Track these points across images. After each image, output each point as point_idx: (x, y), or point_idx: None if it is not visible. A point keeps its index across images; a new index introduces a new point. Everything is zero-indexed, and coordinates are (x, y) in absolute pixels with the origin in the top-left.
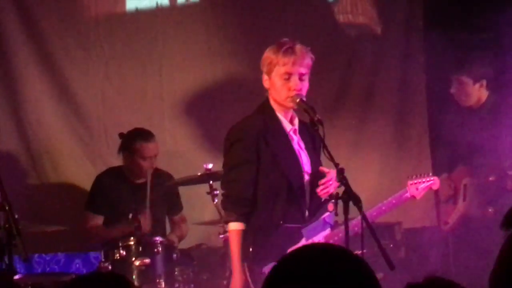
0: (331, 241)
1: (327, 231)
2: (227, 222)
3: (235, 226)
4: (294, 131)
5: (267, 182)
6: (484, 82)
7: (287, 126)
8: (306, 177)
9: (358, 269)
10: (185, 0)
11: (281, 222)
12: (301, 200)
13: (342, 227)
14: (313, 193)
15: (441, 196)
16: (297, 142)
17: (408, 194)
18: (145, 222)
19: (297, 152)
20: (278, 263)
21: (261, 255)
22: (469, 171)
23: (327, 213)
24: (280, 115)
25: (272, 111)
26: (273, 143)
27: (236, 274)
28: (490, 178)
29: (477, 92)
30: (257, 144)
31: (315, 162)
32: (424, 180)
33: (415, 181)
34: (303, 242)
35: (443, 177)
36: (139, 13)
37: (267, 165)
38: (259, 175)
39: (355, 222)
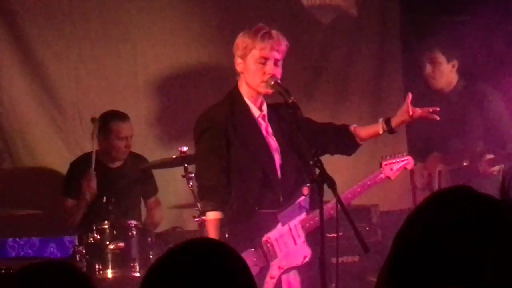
0: (307, 225)
1: (303, 215)
2: (204, 212)
3: (212, 215)
4: (263, 117)
5: (239, 169)
6: (456, 63)
7: (256, 112)
8: (277, 162)
9: (234, 267)
10: None
11: (256, 208)
12: (275, 185)
13: (318, 211)
14: (286, 178)
15: (417, 185)
16: (265, 127)
17: (382, 175)
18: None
19: (266, 137)
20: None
21: (237, 242)
22: (442, 158)
23: (302, 197)
24: (248, 101)
25: (240, 97)
26: (241, 130)
27: None
28: (464, 163)
29: (449, 73)
30: (226, 132)
31: (286, 146)
32: (398, 160)
33: (389, 162)
34: (279, 227)
35: (418, 166)
36: None
37: (237, 152)
38: (231, 162)
39: (330, 205)
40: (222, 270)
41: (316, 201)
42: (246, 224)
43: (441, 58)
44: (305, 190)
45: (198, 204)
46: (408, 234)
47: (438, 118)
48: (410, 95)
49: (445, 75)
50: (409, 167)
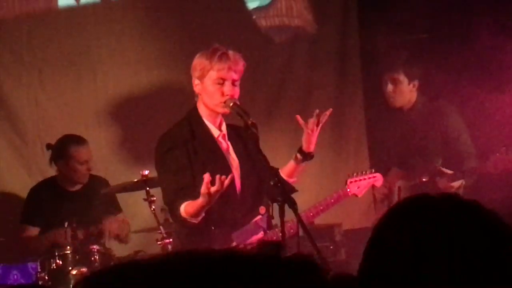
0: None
1: (260, 234)
2: (178, 212)
3: (184, 204)
4: (223, 137)
5: (199, 189)
6: (417, 83)
7: (215, 132)
8: (238, 181)
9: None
10: None
11: (212, 227)
12: (234, 204)
13: (277, 230)
14: (246, 197)
15: (376, 200)
16: (226, 147)
17: (348, 192)
18: (111, 225)
19: (226, 157)
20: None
21: None
22: (402, 174)
23: (259, 216)
24: (207, 122)
25: (199, 118)
26: (201, 151)
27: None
28: (423, 179)
29: (409, 92)
30: (187, 152)
31: (246, 166)
32: (365, 177)
33: (355, 179)
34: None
35: None
36: (71, 15)
37: (198, 172)
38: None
39: (290, 224)
40: None
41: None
42: (200, 243)
43: (403, 78)
44: (262, 209)
45: (161, 228)
46: (377, 248)
47: (328, 113)
48: (297, 117)
49: (405, 94)
50: (377, 184)
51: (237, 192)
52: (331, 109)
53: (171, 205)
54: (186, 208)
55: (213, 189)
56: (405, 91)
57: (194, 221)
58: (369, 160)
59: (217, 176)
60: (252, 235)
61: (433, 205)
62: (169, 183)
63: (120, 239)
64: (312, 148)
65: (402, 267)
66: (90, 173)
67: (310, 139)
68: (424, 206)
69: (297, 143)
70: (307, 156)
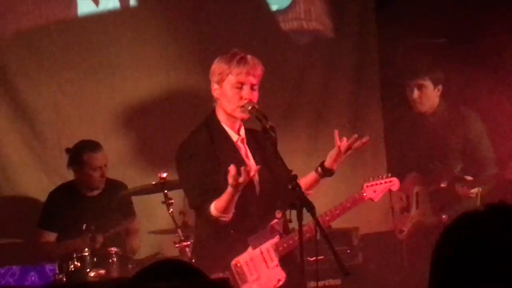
0: (280, 248)
1: (276, 238)
2: (207, 209)
3: (213, 203)
4: (242, 141)
5: (218, 194)
6: (441, 88)
7: (234, 136)
8: (256, 185)
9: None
10: (136, 4)
11: (232, 231)
12: (253, 209)
13: (293, 234)
14: (264, 201)
15: (394, 205)
16: (244, 151)
17: (364, 197)
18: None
19: (245, 161)
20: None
21: (204, 265)
22: (420, 179)
23: (275, 220)
24: (226, 126)
25: (218, 123)
26: (221, 156)
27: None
28: (442, 185)
29: (434, 98)
30: (209, 157)
31: (264, 170)
32: (382, 181)
33: (372, 183)
34: (249, 250)
35: None
36: (90, 21)
37: (218, 177)
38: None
39: (306, 228)
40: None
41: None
42: (215, 247)
43: (428, 83)
44: (278, 213)
45: (179, 231)
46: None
47: (365, 140)
48: (336, 132)
49: (431, 99)
50: (394, 188)
51: (256, 196)
52: (368, 137)
53: (200, 208)
54: (216, 205)
55: (241, 179)
56: (430, 96)
57: (225, 218)
58: (387, 164)
59: (242, 168)
60: (268, 239)
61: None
62: (194, 187)
63: (134, 246)
64: (335, 166)
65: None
66: (107, 177)
67: (337, 158)
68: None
69: (313, 147)
70: (328, 173)
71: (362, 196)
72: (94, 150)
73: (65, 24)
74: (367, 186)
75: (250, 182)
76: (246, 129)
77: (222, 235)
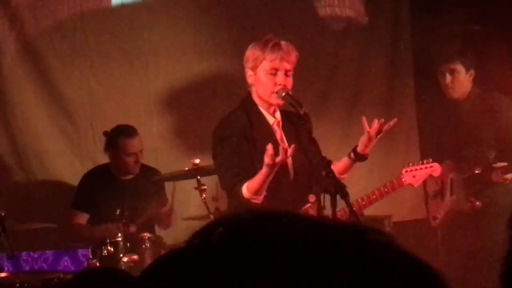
0: None
1: None
2: (239, 191)
3: (245, 185)
4: (278, 124)
5: (254, 176)
6: (473, 72)
7: (270, 119)
8: (290, 169)
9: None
10: None
11: None
12: (288, 192)
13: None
14: (296, 185)
15: (428, 192)
16: (280, 134)
17: (403, 182)
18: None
19: (281, 145)
20: None
21: None
22: (454, 165)
23: (308, 204)
24: (262, 109)
25: (255, 106)
26: (258, 138)
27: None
28: (476, 171)
29: (467, 83)
30: (245, 139)
31: (298, 154)
32: (422, 167)
33: (412, 168)
34: None
35: None
36: (124, 8)
37: (256, 160)
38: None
39: (341, 213)
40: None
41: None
42: None
43: (460, 68)
44: (312, 197)
45: (211, 216)
46: None
47: (393, 123)
48: (363, 118)
49: (463, 84)
50: (435, 174)
51: (290, 179)
52: (396, 119)
53: (231, 190)
54: (248, 186)
55: (278, 159)
56: (463, 81)
57: (257, 200)
58: (420, 152)
59: (281, 146)
60: None
61: None
62: (227, 169)
63: (163, 224)
64: (367, 151)
65: None
66: (141, 163)
67: (368, 143)
68: None
69: (348, 133)
70: (360, 158)
71: (401, 181)
72: (130, 135)
73: (99, 12)
74: (406, 171)
75: (283, 166)
76: (281, 112)
77: None
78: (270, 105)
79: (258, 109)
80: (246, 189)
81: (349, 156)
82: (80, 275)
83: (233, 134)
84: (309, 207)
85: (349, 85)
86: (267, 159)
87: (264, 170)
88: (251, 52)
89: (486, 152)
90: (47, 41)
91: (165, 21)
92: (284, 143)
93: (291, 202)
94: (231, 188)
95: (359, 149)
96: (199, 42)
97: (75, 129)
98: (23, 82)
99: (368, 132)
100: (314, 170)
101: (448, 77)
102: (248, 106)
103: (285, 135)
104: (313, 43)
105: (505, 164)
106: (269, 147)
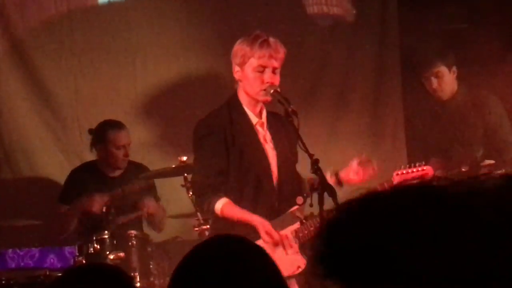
0: (300, 235)
1: (296, 225)
2: (212, 207)
3: (223, 201)
4: (261, 124)
5: (234, 176)
6: (455, 69)
7: (254, 119)
8: (274, 170)
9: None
10: None
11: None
12: (270, 194)
13: (314, 220)
14: (282, 186)
15: None
16: (263, 135)
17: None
18: (149, 205)
19: (263, 145)
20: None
21: None
22: (441, 164)
23: (295, 207)
24: (247, 109)
25: (239, 105)
26: (239, 137)
27: (257, 224)
28: (463, 169)
29: (453, 81)
30: (224, 138)
31: (285, 154)
32: (414, 170)
33: (403, 171)
34: None
35: None
36: (111, 5)
37: (234, 159)
38: (230, 169)
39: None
40: (247, 264)
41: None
42: (232, 232)
43: (444, 69)
44: (299, 199)
45: (198, 214)
46: None
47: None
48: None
49: (450, 85)
50: (427, 178)
51: (274, 181)
52: (375, 166)
53: (199, 197)
54: (224, 209)
55: (276, 237)
56: (448, 81)
57: (224, 220)
58: (407, 150)
59: (281, 234)
60: (287, 226)
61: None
62: (202, 173)
63: (155, 223)
64: (347, 182)
65: None
66: (128, 159)
67: (350, 179)
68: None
69: (335, 130)
70: (340, 183)
71: (392, 185)
72: (118, 128)
73: (86, 10)
74: (397, 174)
75: (267, 168)
76: (268, 113)
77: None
78: (257, 102)
79: (243, 108)
80: (219, 209)
81: (330, 175)
82: (79, 270)
83: (212, 133)
84: (297, 209)
85: (337, 83)
86: (263, 236)
87: (251, 221)
88: (239, 48)
89: (473, 150)
90: (34, 38)
91: (152, 18)
92: (267, 143)
93: (276, 206)
94: (199, 196)
95: (341, 175)
96: (187, 39)
97: (61, 126)
98: (10, 79)
99: (352, 165)
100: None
101: (435, 81)
102: (232, 104)
103: (271, 135)
104: (300, 40)
105: (492, 161)
106: (267, 225)
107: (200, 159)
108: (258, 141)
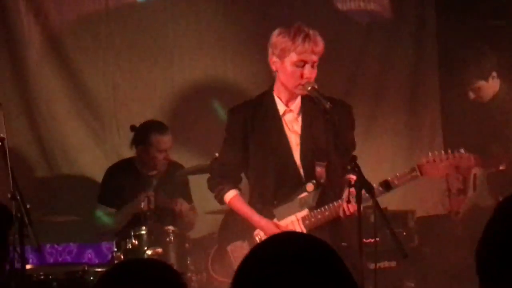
0: (307, 222)
1: (304, 212)
2: (221, 200)
3: (232, 194)
4: (290, 112)
5: (256, 164)
6: (495, 74)
7: (281, 108)
8: (298, 159)
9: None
10: None
11: (275, 202)
12: (294, 182)
13: (323, 209)
14: (309, 175)
15: (450, 186)
16: (291, 123)
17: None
18: (182, 205)
19: (287, 134)
20: (250, 252)
21: (227, 233)
22: (478, 160)
23: (304, 193)
24: (277, 98)
25: (270, 94)
26: (264, 126)
27: (263, 228)
28: (501, 167)
29: (492, 87)
30: (245, 127)
31: (309, 139)
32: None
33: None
34: (274, 222)
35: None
36: (149, 3)
37: (255, 147)
38: (249, 157)
39: (338, 204)
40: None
41: (324, 200)
42: (240, 217)
43: (482, 84)
44: (309, 186)
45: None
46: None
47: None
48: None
49: (490, 91)
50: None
51: (298, 169)
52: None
53: (211, 182)
54: (232, 202)
55: None
56: (488, 89)
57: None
58: (444, 146)
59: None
60: (295, 212)
61: None
62: (220, 158)
63: (183, 222)
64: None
65: None
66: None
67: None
68: None
69: (371, 126)
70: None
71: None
72: (162, 132)
73: (124, 6)
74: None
75: (289, 155)
76: (303, 97)
77: (267, 206)
78: (293, 93)
79: (272, 96)
80: (228, 199)
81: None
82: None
83: (237, 123)
84: (306, 196)
85: (374, 78)
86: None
87: (256, 223)
88: (280, 40)
89: (511, 148)
90: (72, 35)
91: (190, 15)
92: (292, 132)
93: (294, 186)
94: (212, 180)
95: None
96: (224, 37)
97: (99, 123)
98: (48, 76)
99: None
100: (323, 159)
101: (473, 94)
102: (264, 94)
103: (302, 118)
104: (338, 36)
105: None
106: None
107: (223, 145)
108: (282, 130)
